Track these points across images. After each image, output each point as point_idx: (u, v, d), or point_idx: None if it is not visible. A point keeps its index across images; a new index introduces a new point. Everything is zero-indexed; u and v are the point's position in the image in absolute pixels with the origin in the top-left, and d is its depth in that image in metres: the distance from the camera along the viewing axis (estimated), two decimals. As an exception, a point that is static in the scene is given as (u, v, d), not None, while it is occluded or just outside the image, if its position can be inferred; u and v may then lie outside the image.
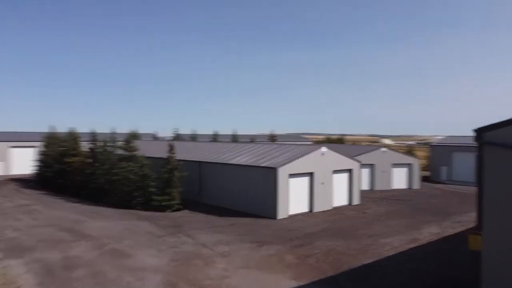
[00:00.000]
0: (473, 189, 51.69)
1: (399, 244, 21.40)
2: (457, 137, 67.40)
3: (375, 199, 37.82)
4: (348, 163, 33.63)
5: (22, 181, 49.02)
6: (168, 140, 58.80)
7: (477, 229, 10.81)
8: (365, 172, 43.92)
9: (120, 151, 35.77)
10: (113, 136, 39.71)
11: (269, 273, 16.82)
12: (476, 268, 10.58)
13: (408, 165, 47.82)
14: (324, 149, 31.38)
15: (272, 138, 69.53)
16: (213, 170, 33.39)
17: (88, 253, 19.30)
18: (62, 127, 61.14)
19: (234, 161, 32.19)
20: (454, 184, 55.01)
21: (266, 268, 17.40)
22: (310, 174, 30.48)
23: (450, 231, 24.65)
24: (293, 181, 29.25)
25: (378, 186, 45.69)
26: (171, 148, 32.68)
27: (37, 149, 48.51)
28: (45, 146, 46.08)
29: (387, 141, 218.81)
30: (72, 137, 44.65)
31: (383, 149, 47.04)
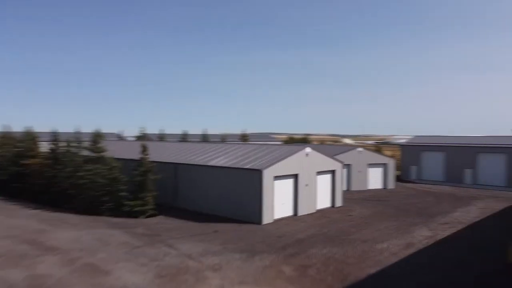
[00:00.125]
0: (443, 188, 53.00)
1: (397, 250, 20.35)
2: (425, 137, 68.61)
3: (355, 200, 37.05)
4: (331, 164, 32.54)
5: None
6: (139, 140, 55.72)
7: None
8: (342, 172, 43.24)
9: (85, 152, 32.77)
10: (77, 136, 36.48)
11: (269, 288, 15.13)
12: None
13: (383, 165, 47.66)
14: (308, 149, 30.06)
15: (244, 137, 67.86)
16: (190, 172, 31.20)
17: (57, 270, 16.74)
18: (18, 127, 56.39)
19: (214, 162, 30.19)
20: (424, 183, 55.72)
21: (266, 283, 15.66)
22: (295, 176, 29.05)
23: (442, 234, 23.98)
24: (278, 183, 27.69)
25: (355, 187, 45.18)
26: (144, 149, 30.19)
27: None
28: (-2, 146, 41.87)
29: (347, 141, 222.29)
30: (30, 137, 40.78)
31: (359, 149, 46.57)
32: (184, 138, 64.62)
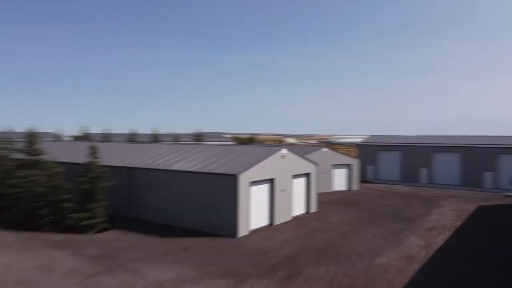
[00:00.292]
0: (401, 188, 52.93)
1: (401, 265, 18.00)
2: (381, 136, 68.87)
3: (325, 203, 34.82)
4: (307, 166, 29.92)
5: None
6: (80, 140, 49.72)
7: None
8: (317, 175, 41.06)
9: (19, 155, 27.36)
10: (7, 136, 30.62)
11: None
12: None
13: (348, 166, 46.20)
14: (284, 151, 27.14)
15: (198, 137, 63.69)
16: (149, 178, 26.99)
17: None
18: None
19: (177, 166, 26.25)
20: (381, 183, 55.30)
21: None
22: (271, 181, 26.00)
23: (435, 242, 22.16)
24: (254, 189, 24.48)
25: (320, 189, 43.02)
26: (94, 151, 25.57)
27: None
28: None
29: (291, 140, 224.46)
30: None
31: (324, 149, 44.63)
32: (132, 138, 59.15)
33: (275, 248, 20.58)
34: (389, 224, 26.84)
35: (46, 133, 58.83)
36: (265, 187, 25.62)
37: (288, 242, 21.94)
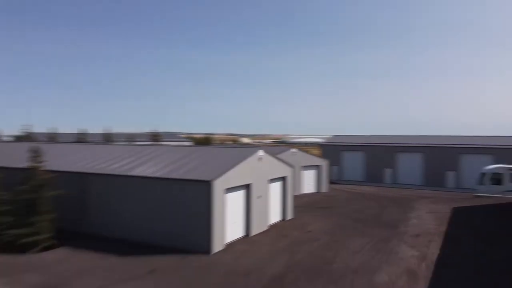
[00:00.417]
0: (368, 189, 51.92)
1: (406, 284, 15.86)
2: (345, 136, 68.11)
3: (298, 208, 32.47)
4: (283, 169, 27.37)
5: None
6: (24, 141, 44.21)
7: None
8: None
9: None
10: None
11: None
12: None
13: (317, 167, 44.36)
14: (261, 153, 24.38)
15: (155, 137, 59.32)
16: (105, 185, 23.19)
17: None
18: None
19: (139, 171, 22.70)
20: (346, 184, 54.25)
21: None
22: (247, 187, 23.15)
23: (430, 252, 20.38)
24: (230, 197, 21.52)
25: (290, 192, 40.97)
26: (36, 154, 21.47)
27: None
28: None
29: (246, 140, 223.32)
30: None
31: (293, 150, 42.42)
32: (81, 138, 53.78)
33: (258, 267, 17.76)
34: (372, 231, 24.93)
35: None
36: (241, 194, 22.74)
37: (270, 258, 19.21)
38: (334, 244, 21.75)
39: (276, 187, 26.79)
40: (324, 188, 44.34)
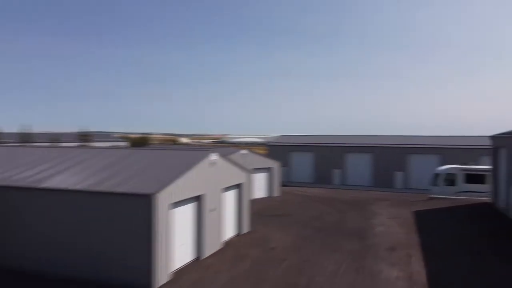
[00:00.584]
0: (318, 191, 49.44)
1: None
2: (293, 136, 65.69)
3: (253, 216, 28.72)
4: (239, 175, 23.35)
5: None
6: None
7: None
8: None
9: None
10: None
11: None
12: None
13: (268, 170, 40.95)
14: (214, 156, 20.12)
15: (84, 137, 52.25)
16: (10, 200, 17.57)
17: None
18: None
19: (56, 182, 17.41)
20: (294, 186, 51.69)
21: None
22: (198, 199, 18.81)
23: (416, 271, 17.53)
24: (177, 213, 17.07)
25: (239, 197, 37.09)
26: None
27: None
28: None
29: (185, 140, 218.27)
30: None
31: (243, 151, 38.58)
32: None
33: (219, 307, 13.60)
34: (340, 244, 21.81)
35: None
36: (190, 208, 18.36)
37: (232, 290, 15.13)
38: (305, 265, 18.17)
39: (231, 196, 22.73)
40: (276, 192, 41.08)
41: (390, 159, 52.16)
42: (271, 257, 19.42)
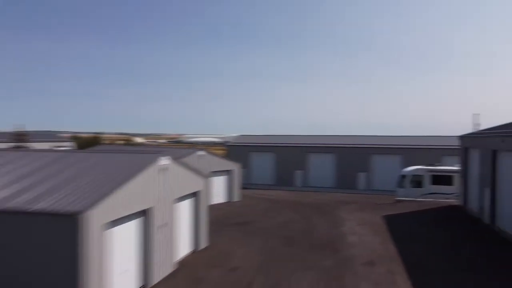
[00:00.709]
0: (280, 194, 46.76)
1: None
2: (253, 136, 62.85)
3: (212, 226, 25.51)
4: (196, 182, 19.95)
5: None
6: None
7: None
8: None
9: None
10: None
11: None
12: None
13: (228, 172, 37.74)
14: (165, 161, 16.64)
15: (20, 137, 46.36)
16: None
17: None
18: None
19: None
20: (255, 188, 48.97)
21: None
22: (144, 213, 15.29)
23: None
24: (115, 234, 13.48)
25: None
26: None
27: None
28: None
29: (139, 140, 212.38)
30: None
31: (200, 152, 35.11)
32: None
33: None
34: (313, 259, 19.10)
35: None
36: (134, 226, 14.82)
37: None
38: (276, 292, 15.20)
39: (185, 207, 19.32)
40: (236, 197, 37.96)
41: (353, 159, 50.64)
42: (233, 281, 16.26)
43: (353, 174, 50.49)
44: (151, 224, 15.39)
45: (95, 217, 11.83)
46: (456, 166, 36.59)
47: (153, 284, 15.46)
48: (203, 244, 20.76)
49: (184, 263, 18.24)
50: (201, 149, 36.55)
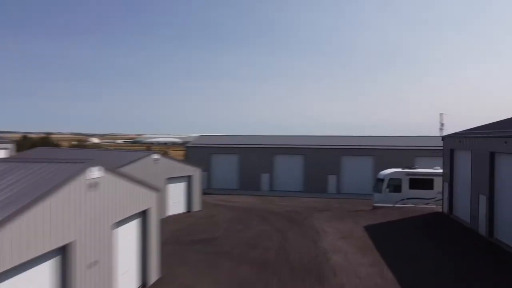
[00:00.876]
0: (246, 200, 42.09)
1: None
2: (215, 137, 58.34)
3: (165, 247, 20.87)
4: (143, 197, 15.23)
5: None
6: None
7: None
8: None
9: None
10: None
11: None
12: None
13: (188, 178, 33.03)
14: (98, 172, 11.85)
15: None
16: None
17: None
18: None
19: None
20: (218, 194, 44.64)
21: None
22: (63, 250, 10.50)
23: None
24: (15, 285, 8.65)
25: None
26: None
27: None
28: None
29: (95, 140, 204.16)
30: None
31: (155, 156, 30.16)
32: None
33: None
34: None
35: None
36: (47, 270, 10.02)
37: None
38: None
39: (129, 232, 14.59)
40: (197, 206, 33.33)
41: (322, 161, 47.40)
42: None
43: (322, 177, 47.27)
44: (73, 264, 10.62)
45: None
46: (436, 169, 34.00)
47: None
48: (154, 276, 16.08)
49: (126, 310, 13.56)
50: (156, 152, 31.58)
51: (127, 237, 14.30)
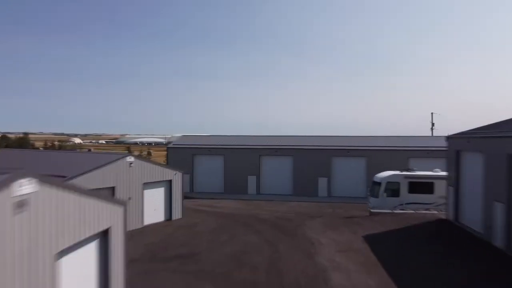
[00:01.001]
0: (231, 205, 39.14)
1: None
2: (198, 137, 55.13)
3: (137, 265, 17.83)
4: (103, 212, 12.08)
5: None
6: None
7: None
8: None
9: None
10: None
11: None
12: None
13: (167, 183, 29.84)
14: (29, 187, 8.70)
15: None
16: None
17: None
18: None
19: None
20: (200, 198, 41.65)
21: None
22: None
23: None
24: None
25: (124, 226, 25.44)
26: None
27: None
28: None
29: (77, 140, 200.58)
30: None
31: (130, 158, 26.88)
32: None
33: None
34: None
35: None
36: None
37: None
38: None
39: (80, 261, 11.43)
40: (178, 213, 30.18)
41: (312, 162, 44.71)
42: None
43: (312, 179, 44.58)
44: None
45: None
46: (437, 171, 31.62)
47: None
48: (119, 312, 12.94)
49: None
50: (131, 154, 28.31)
51: (80, 267, 11.15)
